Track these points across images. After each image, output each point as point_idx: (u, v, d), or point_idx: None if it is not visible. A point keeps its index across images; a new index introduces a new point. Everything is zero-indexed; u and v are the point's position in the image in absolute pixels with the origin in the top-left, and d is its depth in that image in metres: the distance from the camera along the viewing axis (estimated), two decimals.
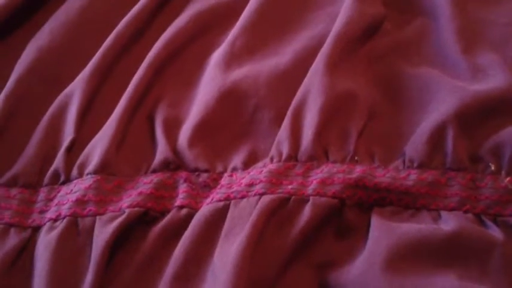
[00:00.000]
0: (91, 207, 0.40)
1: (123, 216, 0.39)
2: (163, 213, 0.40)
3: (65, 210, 0.40)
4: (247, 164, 0.42)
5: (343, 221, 0.39)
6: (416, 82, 0.45)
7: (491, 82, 0.43)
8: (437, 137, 0.41)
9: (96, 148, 0.42)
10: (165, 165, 0.42)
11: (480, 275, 0.36)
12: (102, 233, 0.38)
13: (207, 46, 0.49)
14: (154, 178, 0.41)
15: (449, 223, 0.38)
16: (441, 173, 0.40)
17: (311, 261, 0.37)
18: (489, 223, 0.38)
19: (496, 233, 0.37)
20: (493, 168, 0.40)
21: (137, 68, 0.46)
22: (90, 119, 0.45)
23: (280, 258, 0.37)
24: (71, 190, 0.41)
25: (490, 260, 0.36)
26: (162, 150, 0.42)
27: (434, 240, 0.36)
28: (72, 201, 0.40)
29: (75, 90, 0.45)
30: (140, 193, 0.40)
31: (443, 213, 0.39)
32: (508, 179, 0.39)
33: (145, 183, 0.41)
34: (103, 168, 0.42)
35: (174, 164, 0.42)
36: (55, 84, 0.47)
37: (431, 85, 0.44)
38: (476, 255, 0.36)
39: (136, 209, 0.39)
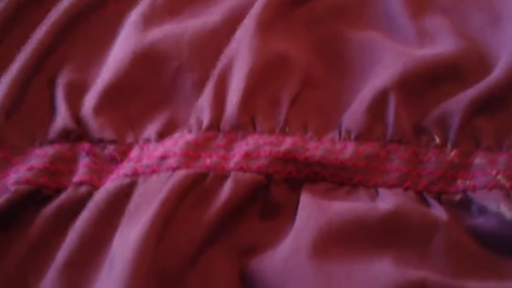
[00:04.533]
0: None
1: (7, 195, 0.35)
2: (58, 191, 0.36)
3: None
4: (162, 135, 0.39)
5: (269, 199, 0.36)
6: (359, 47, 0.42)
7: (439, 47, 0.41)
8: (378, 106, 0.38)
9: None
10: (65, 135, 0.38)
11: (420, 259, 0.33)
12: None
13: (125, 4, 0.45)
14: (50, 150, 0.38)
15: (387, 201, 0.35)
16: (381, 146, 0.38)
17: (231, 246, 0.34)
18: (432, 201, 0.36)
19: (439, 212, 0.35)
20: (437, 140, 0.38)
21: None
22: None
23: (192, 244, 0.33)
24: None
25: (431, 242, 0.33)
26: (61, 117, 0.39)
27: (369, 220, 0.34)
28: None
29: None
30: (31, 168, 0.37)
31: (382, 190, 0.36)
32: (453, 152, 0.37)
33: (39, 156, 0.37)
34: None
35: (75, 134, 0.39)
36: None
37: (374, 50, 0.42)
38: (416, 237, 0.34)
39: (24, 186, 0.36)
